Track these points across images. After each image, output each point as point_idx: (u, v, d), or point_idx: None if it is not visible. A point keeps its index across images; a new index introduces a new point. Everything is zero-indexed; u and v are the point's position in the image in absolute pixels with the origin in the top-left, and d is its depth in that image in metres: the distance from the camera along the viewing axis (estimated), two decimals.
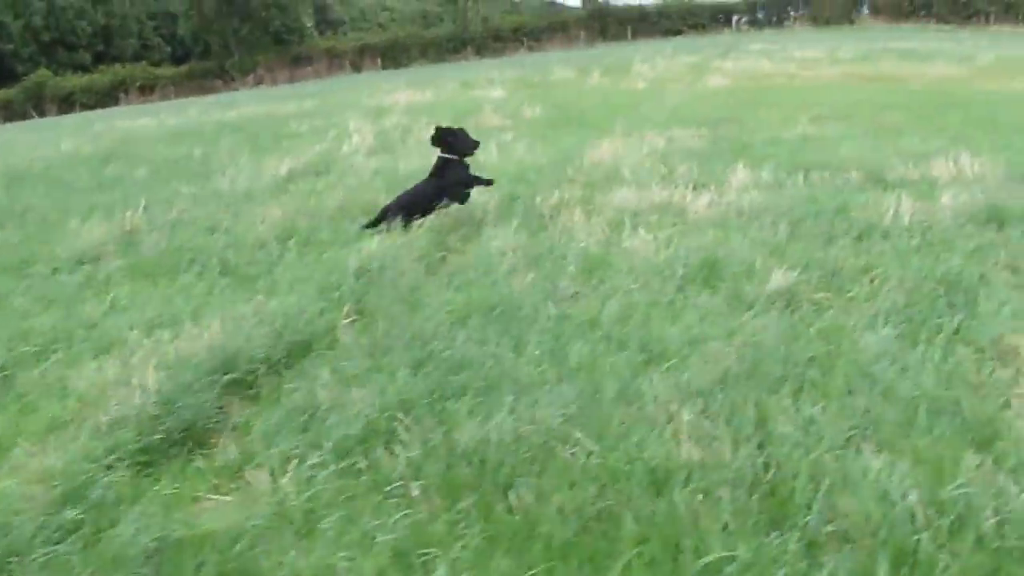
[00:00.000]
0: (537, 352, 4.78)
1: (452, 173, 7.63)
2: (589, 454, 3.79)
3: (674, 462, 3.67)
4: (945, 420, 3.95)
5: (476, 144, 7.82)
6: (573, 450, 3.84)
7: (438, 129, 7.75)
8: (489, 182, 7.85)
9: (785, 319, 5.13)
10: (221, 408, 4.54)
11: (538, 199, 8.25)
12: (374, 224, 7.59)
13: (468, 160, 7.81)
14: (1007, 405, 4.06)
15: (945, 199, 7.85)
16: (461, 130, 7.77)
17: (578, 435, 3.90)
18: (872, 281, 5.79)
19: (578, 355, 4.72)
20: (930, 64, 26.17)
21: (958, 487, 3.40)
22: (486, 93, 20.65)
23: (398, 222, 7.39)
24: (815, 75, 23.78)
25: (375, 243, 6.95)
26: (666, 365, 4.55)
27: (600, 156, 10.39)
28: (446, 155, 7.66)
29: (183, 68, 57.86)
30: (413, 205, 7.57)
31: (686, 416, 3.98)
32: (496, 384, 4.43)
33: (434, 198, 7.61)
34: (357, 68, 53.41)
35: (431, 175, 7.79)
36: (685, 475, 3.59)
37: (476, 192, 8.16)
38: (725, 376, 4.36)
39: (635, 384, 4.34)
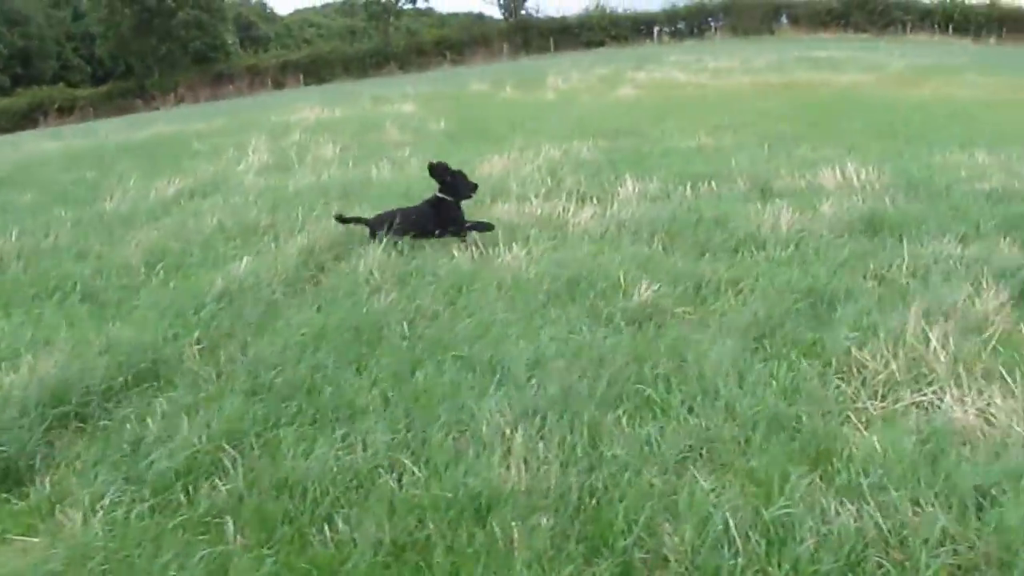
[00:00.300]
0: (381, 375, 4.66)
1: (446, 214, 7.37)
2: (415, 482, 3.67)
3: (499, 488, 3.56)
4: (782, 438, 3.90)
5: (474, 188, 7.57)
6: (399, 478, 3.72)
7: (439, 165, 7.44)
8: (488, 227, 7.45)
9: (641, 335, 5.06)
10: (49, 443, 4.34)
11: None
12: (346, 220, 7.67)
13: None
14: (846, 421, 4.02)
15: (825, 208, 7.89)
16: (460, 173, 7.48)
17: (406, 462, 3.79)
18: (739, 293, 5.77)
19: (424, 377, 4.60)
20: (841, 72, 26.60)
21: (782, 508, 3.34)
22: (397, 108, 20.52)
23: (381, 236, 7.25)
24: (726, 85, 24.01)
25: (244, 264, 6.76)
26: (510, 385, 4.44)
27: (490, 170, 10.30)
28: (441, 195, 7.40)
29: (103, 88, 56.98)
30: (409, 227, 7.37)
31: (519, 439, 3.88)
32: (330, 410, 4.30)
33: (432, 229, 7.39)
34: (280, 85, 52.96)
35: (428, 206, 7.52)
36: (508, 502, 3.48)
37: (356, 208, 8.03)
38: (566, 395, 4.27)
39: (475, 406, 4.22)
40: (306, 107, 21.73)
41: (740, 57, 33.99)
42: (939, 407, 4.09)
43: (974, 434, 3.86)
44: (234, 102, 43.78)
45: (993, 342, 4.74)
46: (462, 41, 59.03)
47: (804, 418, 4.02)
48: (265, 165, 12.71)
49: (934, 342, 4.59)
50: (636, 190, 9.05)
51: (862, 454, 3.70)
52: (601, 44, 57.73)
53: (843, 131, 14.36)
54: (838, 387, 4.33)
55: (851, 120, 15.83)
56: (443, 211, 7.35)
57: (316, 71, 54.94)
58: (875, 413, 4.09)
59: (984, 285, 5.79)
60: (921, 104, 18.81)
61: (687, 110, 17.19)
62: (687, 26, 61.29)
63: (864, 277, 6.09)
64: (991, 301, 5.43)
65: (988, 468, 3.54)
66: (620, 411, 4.13)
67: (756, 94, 21.22)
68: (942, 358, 4.49)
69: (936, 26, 54.09)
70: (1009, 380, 4.26)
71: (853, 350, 4.62)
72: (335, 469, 3.79)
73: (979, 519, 3.27)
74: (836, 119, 15.98)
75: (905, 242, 6.70)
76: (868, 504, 3.34)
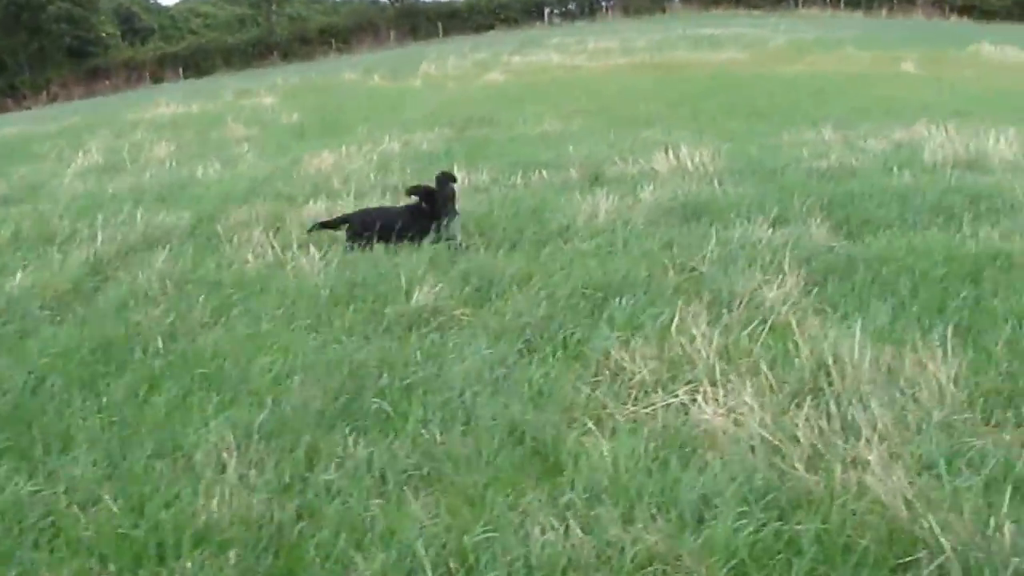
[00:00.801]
0: (113, 398, 4.31)
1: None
2: (110, 518, 3.34)
3: (197, 520, 3.26)
4: (518, 451, 3.66)
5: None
6: (94, 514, 3.39)
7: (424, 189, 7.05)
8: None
9: (401, 342, 4.80)
10: None
11: (224, 218, 7.76)
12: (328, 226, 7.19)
13: None
14: (586, 432, 3.78)
15: (646, 195, 7.72)
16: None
17: (105, 496, 3.46)
18: (528, 291, 5.52)
19: (160, 399, 4.27)
20: (720, 51, 26.75)
21: (485, 530, 3.10)
22: (257, 101, 19.95)
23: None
24: (600, 67, 23.96)
25: (18, 278, 6.33)
26: (242, 404, 4.14)
27: (319, 166, 9.94)
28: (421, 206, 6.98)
29: None
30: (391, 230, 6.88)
31: (233, 464, 3.57)
32: (44, 441, 3.94)
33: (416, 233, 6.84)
34: (158, 79, 51.48)
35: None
36: (201, 537, 3.19)
37: (164, 213, 7.64)
38: (299, 413, 3.98)
39: (195, 430, 3.91)
40: (165, 103, 21.02)
41: (623, 37, 34.06)
42: (690, 409, 3.90)
43: (718, 437, 3.67)
44: (103, 100, 42.41)
45: (763, 335, 4.57)
46: (348, 28, 58.08)
47: (547, 427, 3.78)
48: (94, 166, 12.18)
49: (699, 338, 4.39)
50: (466, 182, 8.79)
51: (591, 465, 3.47)
52: (491, 27, 57.22)
53: (701, 112, 14.35)
54: (591, 392, 4.11)
55: (713, 100, 15.85)
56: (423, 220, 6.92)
57: (196, 64, 53.62)
58: (621, 419, 3.87)
59: (786, 271, 5.67)
60: (790, 81, 18.96)
61: (549, 95, 17.02)
62: (578, 7, 61.19)
63: (667, 268, 5.91)
64: (787, 288, 5.30)
65: (716, 476, 3.35)
66: (348, 428, 3.85)
67: (627, 76, 21.19)
68: (706, 355, 4.30)
69: (827, 1, 54.60)
70: (770, 376, 4.08)
71: (612, 350, 4.40)
72: (26, 506, 3.44)
73: (696, 534, 3.06)
74: (699, 100, 15.98)
75: (715, 228, 6.55)
76: (581, 521, 3.12)
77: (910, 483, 3.25)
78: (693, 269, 5.88)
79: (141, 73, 52.65)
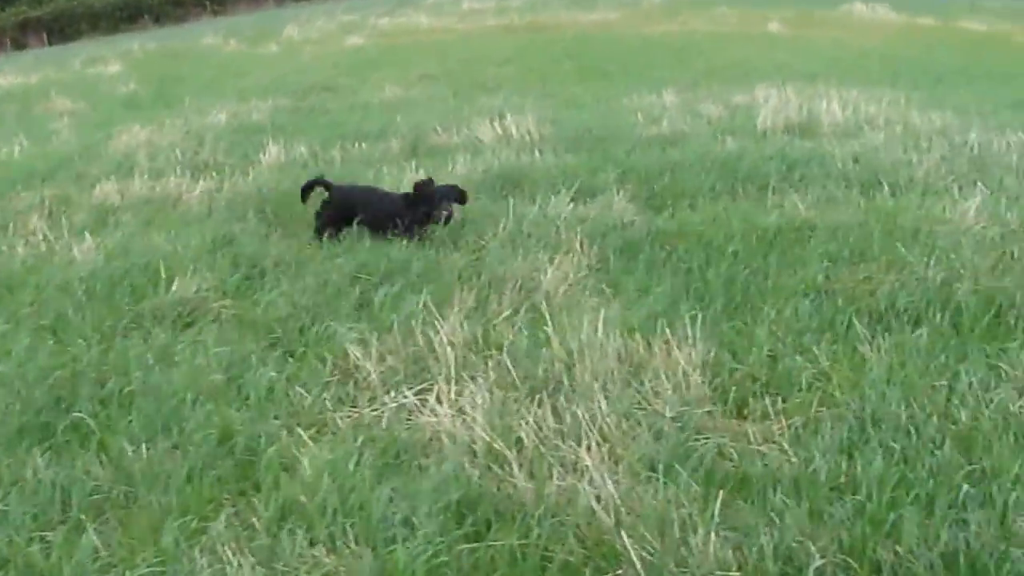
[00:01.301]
0: None
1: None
2: None
3: None
4: (227, 463, 3.38)
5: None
6: None
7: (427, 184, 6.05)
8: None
9: (147, 340, 4.45)
10: None
11: (7, 203, 7.25)
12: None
13: None
14: (300, 440, 3.49)
15: (458, 169, 7.45)
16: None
17: None
18: (308, 278, 5.21)
19: None
20: (593, 10, 26.51)
21: (151, 567, 2.81)
22: (104, 70, 19.03)
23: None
24: (470, 28, 23.59)
25: None
26: None
27: (127, 141, 9.42)
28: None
29: None
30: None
31: None
32: None
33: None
34: (21, 46, 49.05)
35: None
36: None
37: None
38: None
39: None
40: (2, 74, 19.89)
41: None
42: (422, 411, 3.65)
43: (443, 442, 3.43)
44: None
45: (520, 324, 4.35)
46: None
47: (262, 437, 3.50)
48: None
49: (443, 331, 4.14)
50: (282, 157, 8.40)
51: (295, 479, 3.20)
52: None
53: (553, 75, 14.16)
54: (320, 394, 3.83)
55: (569, 63, 15.66)
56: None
57: (61, 28, 51.27)
58: (343, 425, 3.61)
59: (578, 249, 5.47)
60: (652, 42, 18.87)
61: (405, 59, 16.61)
62: None
63: (454, 249, 5.67)
64: (565, 269, 5.09)
65: (422, 488, 3.11)
66: (44, 447, 3.51)
67: (492, 38, 20.89)
68: (449, 350, 4.05)
69: None
70: (514, 371, 3.86)
71: (349, 346, 4.13)
72: None
73: (378, 558, 2.82)
74: (555, 62, 15.79)
75: (512, 203, 6.32)
76: (262, 546, 2.86)
77: (626, 489, 3.07)
78: (482, 248, 5.65)
79: (2, 39, 50.20)
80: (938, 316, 4.40)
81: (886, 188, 6.49)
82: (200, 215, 6.71)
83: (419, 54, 17.35)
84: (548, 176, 7.07)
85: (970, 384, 3.64)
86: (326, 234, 5.91)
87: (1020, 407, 3.49)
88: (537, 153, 7.96)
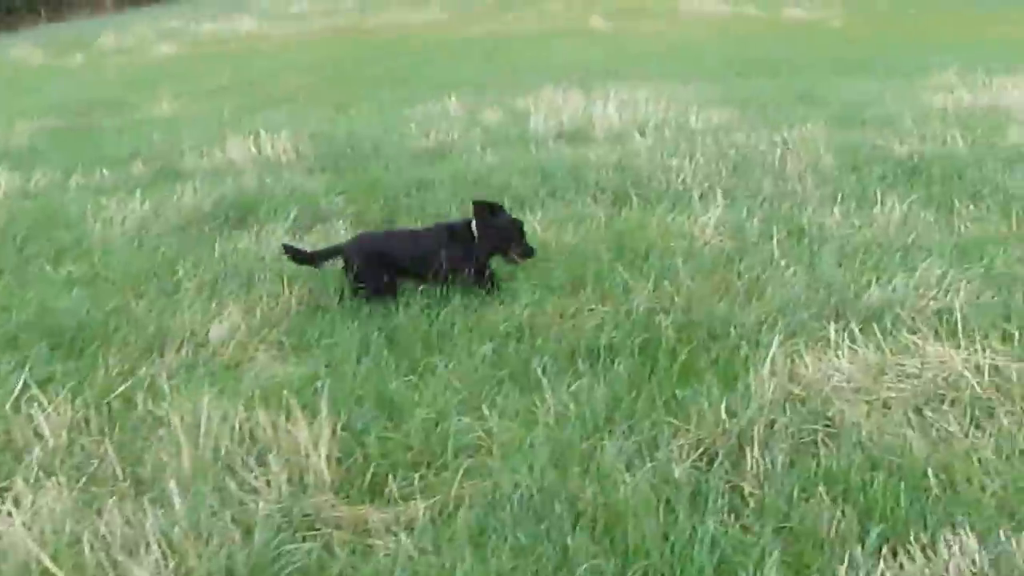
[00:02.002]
0: None
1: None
2: None
3: None
4: None
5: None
6: None
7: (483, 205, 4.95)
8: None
9: None
10: None
11: None
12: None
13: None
14: None
15: (186, 198, 6.82)
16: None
17: None
18: None
19: None
20: (424, 11, 26.06)
21: None
22: None
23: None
24: (292, 33, 22.89)
25: None
26: None
27: None
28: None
29: None
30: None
31: None
32: None
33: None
34: None
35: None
36: None
37: None
38: None
39: None
40: None
41: None
42: None
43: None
44: None
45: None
46: None
47: None
48: None
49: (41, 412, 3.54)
50: (15, 186, 7.65)
51: None
52: None
53: (355, 82, 13.65)
54: None
55: (377, 67, 15.16)
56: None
57: None
58: None
59: (283, 288, 4.95)
60: (473, 42, 18.54)
61: (208, 70, 15.88)
62: None
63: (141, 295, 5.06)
64: (263, 314, 4.58)
65: None
66: None
67: (312, 44, 20.25)
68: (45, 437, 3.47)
69: None
70: (116, 464, 3.29)
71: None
72: None
73: None
74: (364, 67, 15.27)
75: (218, 241, 5.77)
76: None
77: None
78: (176, 293, 5.07)
79: None
80: (636, 354, 4.02)
81: (635, 201, 6.14)
82: None
83: (224, 64, 16.63)
84: (283, 203, 6.52)
85: (622, 448, 3.22)
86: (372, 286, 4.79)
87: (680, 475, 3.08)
88: (286, 175, 7.40)
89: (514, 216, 5.19)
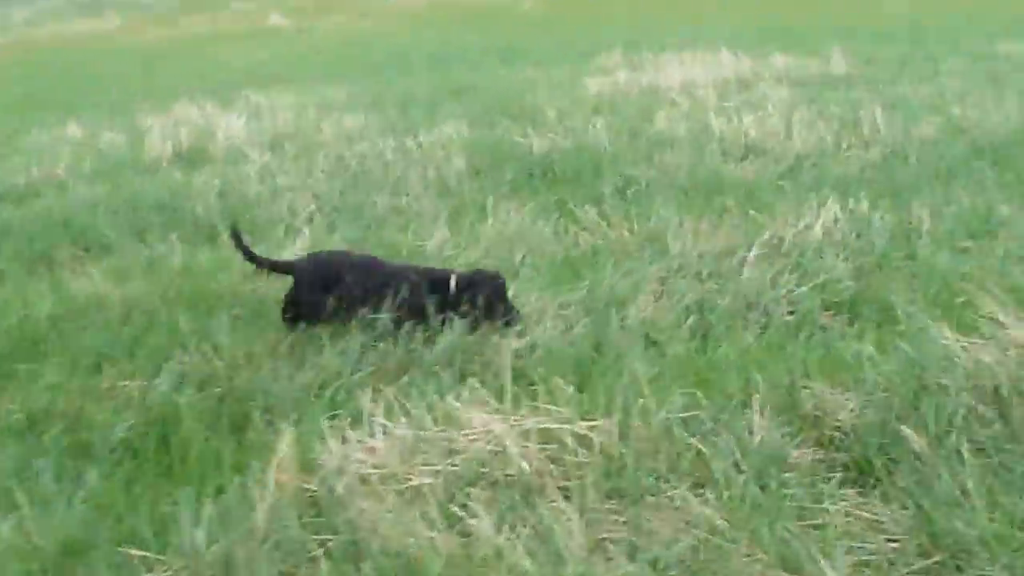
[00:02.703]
0: None
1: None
2: None
3: None
4: None
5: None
6: None
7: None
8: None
9: None
10: None
11: None
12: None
13: None
14: None
15: None
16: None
17: None
18: None
19: None
20: (99, 17, 24.25)
21: None
22: None
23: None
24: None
25: None
26: None
27: None
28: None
29: None
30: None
31: None
32: None
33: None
34: None
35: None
36: None
37: None
38: None
39: None
40: None
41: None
42: None
43: None
44: None
45: None
46: None
47: None
48: None
49: None
50: None
51: None
52: None
53: None
54: None
55: (20, 88, 13.69)
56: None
57: None
58: None
59: None
60: (128, 52, 17.19)
61: None
62: None
63: None
64: None
65: None
66: None
67: None
68: None
69: None
70: None
71: None
72: None
73: None
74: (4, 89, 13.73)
75: None
76: None
77: None
78: None
79: None
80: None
81: (223, 237, 5.23)
82: None
83: None
84: None
85: None
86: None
87: None
88: None
89: None
